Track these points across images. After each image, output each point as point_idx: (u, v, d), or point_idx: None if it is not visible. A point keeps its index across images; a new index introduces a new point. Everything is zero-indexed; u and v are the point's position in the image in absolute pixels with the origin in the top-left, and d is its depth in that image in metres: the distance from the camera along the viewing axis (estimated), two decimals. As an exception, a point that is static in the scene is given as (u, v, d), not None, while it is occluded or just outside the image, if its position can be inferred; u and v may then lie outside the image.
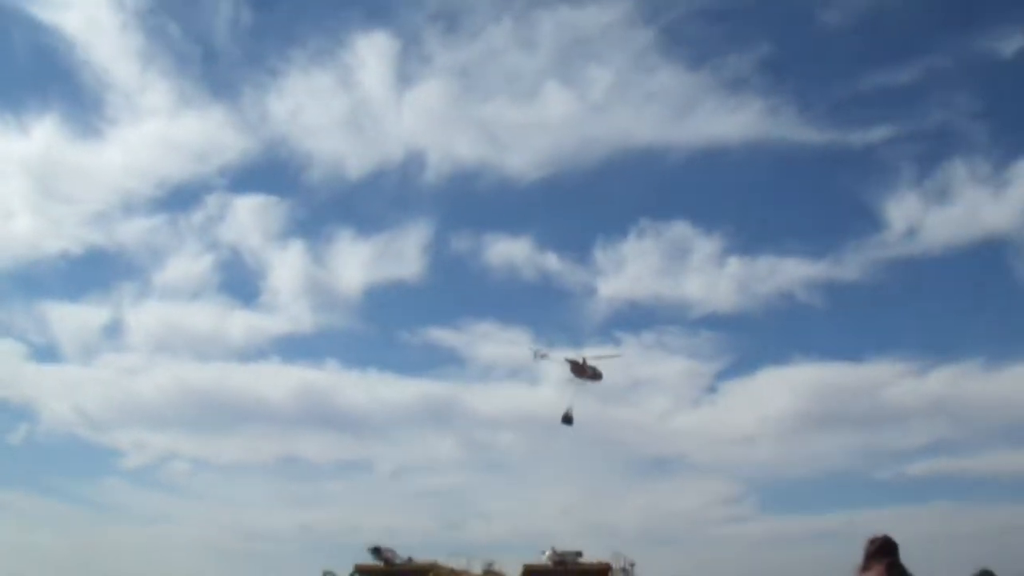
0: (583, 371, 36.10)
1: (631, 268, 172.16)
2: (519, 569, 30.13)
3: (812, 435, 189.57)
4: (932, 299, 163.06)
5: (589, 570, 29.43)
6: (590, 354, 35.58)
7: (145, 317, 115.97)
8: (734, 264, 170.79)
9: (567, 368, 35.18)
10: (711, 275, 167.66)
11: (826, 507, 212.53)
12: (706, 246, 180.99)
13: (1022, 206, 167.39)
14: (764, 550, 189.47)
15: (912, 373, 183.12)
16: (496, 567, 33.58)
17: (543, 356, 37.32)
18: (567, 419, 37.67)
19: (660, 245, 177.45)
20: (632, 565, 31.48)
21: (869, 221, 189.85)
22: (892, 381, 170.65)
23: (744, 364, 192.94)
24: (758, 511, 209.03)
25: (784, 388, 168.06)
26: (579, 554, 30.70)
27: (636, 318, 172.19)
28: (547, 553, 30.60)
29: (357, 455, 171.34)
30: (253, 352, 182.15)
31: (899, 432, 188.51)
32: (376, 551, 30.48)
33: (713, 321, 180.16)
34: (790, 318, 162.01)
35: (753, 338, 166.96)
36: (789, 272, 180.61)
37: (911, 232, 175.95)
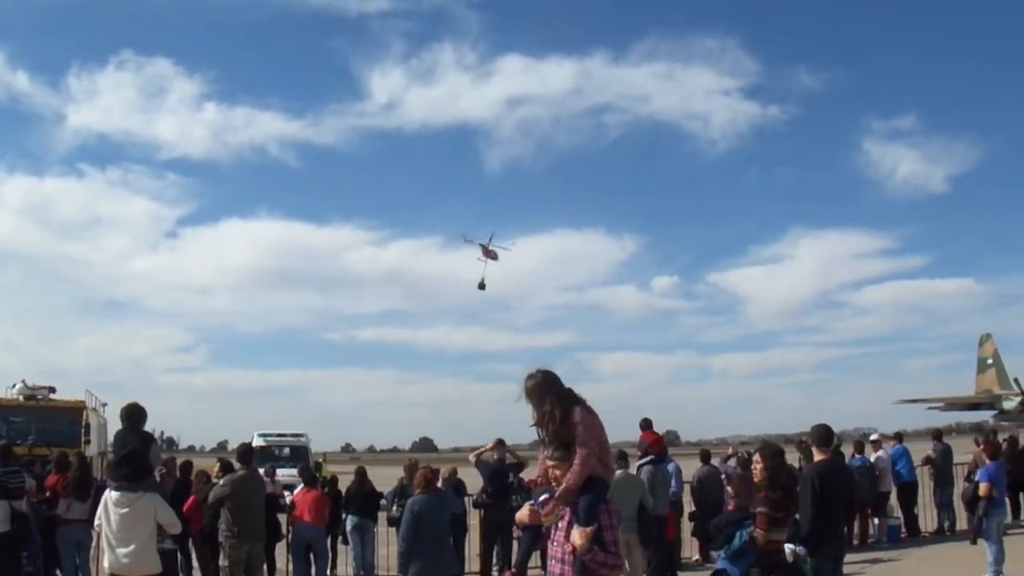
0: (488, 253, 44.32)
1: (105, 100, 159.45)
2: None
3: (269, 291, 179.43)
4: (403, 173, 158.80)
5: (63, 407, 25.49)
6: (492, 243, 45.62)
7: None
8: (211, 110, 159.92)
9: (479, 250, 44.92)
10: (186, 118, 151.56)
11: (277, 363, 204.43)
12: (185, 88, 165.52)
13: (499, 98, 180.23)
14: (212, 401, 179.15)
15: (373, 242, 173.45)
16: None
17: (469, 241, 46.08)
18: (481, 286, 46.83)
19: (138, 80, 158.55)
20: (104, 405, 28.30)
21: (352, 89, 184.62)
22: (353, 247, 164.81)
23: (208, 212, 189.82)
24: (208, 362, 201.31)
25: (246, 241, 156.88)
26: (52, 390, 26.59)
27: (103, 152, 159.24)
28: (17, 387, 26.29)
29: None
30: None
31: (354, 298, 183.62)
32: None
33: (182, 165, 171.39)
34: (261, 172, 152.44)
35: (220, 187, 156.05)
36: (266, 126, 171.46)
37: (391, 106, 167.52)
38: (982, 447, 14.72)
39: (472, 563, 15.13)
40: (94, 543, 11.65)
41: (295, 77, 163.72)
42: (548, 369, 6.04)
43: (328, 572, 15.15)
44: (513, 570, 13.41)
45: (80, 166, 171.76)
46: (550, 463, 5.79)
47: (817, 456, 9.02)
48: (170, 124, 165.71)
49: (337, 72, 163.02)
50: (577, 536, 5.47)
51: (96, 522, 8.75)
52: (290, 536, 14.63)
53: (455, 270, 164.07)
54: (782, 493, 7.91)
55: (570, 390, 5.95)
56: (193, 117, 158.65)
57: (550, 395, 5.87)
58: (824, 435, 9.20)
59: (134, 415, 9.07)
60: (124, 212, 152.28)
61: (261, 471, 14.42)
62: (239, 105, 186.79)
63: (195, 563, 14.61)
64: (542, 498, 5.84)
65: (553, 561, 5.62)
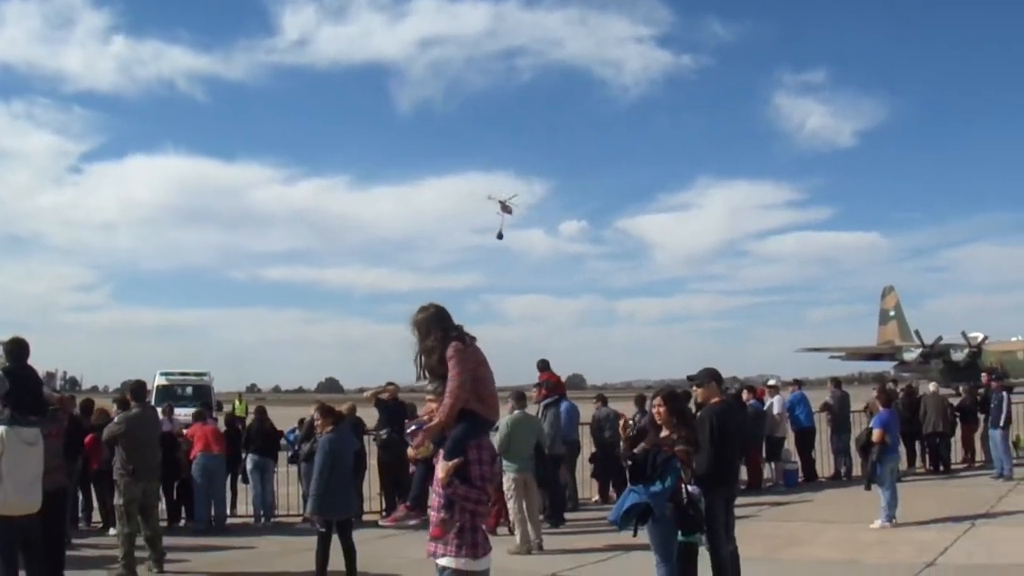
0: (505, 208, 48.26)
1: (10, 30, 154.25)
2: None
3: (174, 229, 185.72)
4: (312, 111, 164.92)
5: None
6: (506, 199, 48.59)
7: None
8: (119, 43, 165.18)
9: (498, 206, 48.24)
10: (93, 51, 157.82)
11: (180, 302, 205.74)
12: (93, 20, 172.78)
13: (412, 38, 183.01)
14: (115, 340, 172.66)
15: (280, 180, 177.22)
16: None
17: (491, 199, 48.60)
18: (500, 236, 49.97)
19: (45, 11, 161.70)
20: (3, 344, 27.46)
21: (263, 25, 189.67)
22: (260, 185, 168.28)
23: (114, 148, 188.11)
24: (111, 300, 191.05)
25: (152, 178, 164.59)
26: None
27: (7, 84, 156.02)
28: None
29: None
30: None
31: (260, 236, 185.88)
32: None
33: (88, 99, 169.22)
34: (168, 107, 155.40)
35: (127, 122, 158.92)
36: (174, 60, 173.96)
37: (303, 42, 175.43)
38: (876, 394, 15.08)
39: (372, 502, 15.10)
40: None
41: (205, 11, 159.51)
42: (442, 305, 5.86)
43: (227, 511, 15.00)
44: (408, 503, 13.41)
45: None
46: (429, 397, 5.73)
47: (713, 398, 9.05)
48: (77, 56, 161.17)
49: (248, 7, 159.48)
50: (439, 469, 5.43)
51: None
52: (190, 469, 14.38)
53: (363, 210, 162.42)
54: (692, 432, 8.15)
55: (460, 327, 5.78)
56: (100, 50, 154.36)
57: (436, 330, 5.70)
58: (716, 377, 9.23)
59: (21, 349, 8.72)
60: (27, 146, 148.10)
61: (159, 410, 14.19)
62: (148, 38, 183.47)
63: (95, 502, 14.38)
64: (410, 430, 5.78)
65: (433, 495, 5.60)
